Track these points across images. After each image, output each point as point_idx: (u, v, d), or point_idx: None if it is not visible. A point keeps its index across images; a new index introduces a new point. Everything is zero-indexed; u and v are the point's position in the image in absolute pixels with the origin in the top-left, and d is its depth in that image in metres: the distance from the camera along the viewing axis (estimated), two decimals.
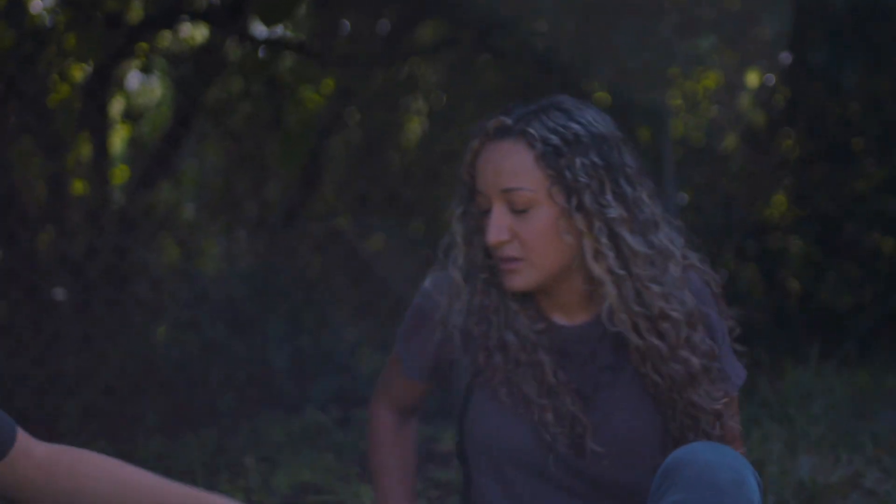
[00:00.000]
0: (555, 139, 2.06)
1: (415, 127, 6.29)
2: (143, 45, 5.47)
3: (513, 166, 2.07)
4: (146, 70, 5.62)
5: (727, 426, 2.22)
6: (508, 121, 2.10)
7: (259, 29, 5.07)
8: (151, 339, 5.20)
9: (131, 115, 6.07)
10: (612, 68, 4.78)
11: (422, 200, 5.57)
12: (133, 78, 6.28)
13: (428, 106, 6.19)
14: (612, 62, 4.72)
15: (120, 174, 6.22)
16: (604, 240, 2.08)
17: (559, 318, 2.20)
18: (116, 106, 6.18)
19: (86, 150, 5.84)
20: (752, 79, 5.52)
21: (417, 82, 6.00)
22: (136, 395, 4.80)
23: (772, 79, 5.33)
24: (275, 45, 4.89)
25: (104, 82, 5.54)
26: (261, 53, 4.77)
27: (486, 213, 2.12)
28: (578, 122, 2.10)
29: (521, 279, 2.11)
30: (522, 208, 2.08)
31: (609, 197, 2.08)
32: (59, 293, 5.20)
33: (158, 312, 5.27)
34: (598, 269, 2.09)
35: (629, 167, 2.14)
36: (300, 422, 4.30)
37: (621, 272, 2.10)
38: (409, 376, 2.34)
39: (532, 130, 2.07)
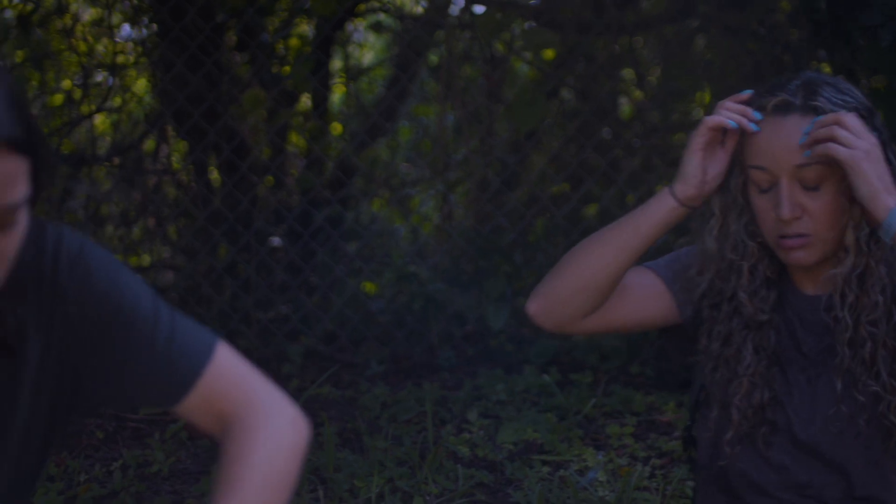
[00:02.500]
0: None
1: (632, 98, 6.27)
2: (376, 2, 5.56)
3: None
4: (377, 28, 5.70)
5: None
6: (794, 99, 2.09)
7: None
8: (373, 290, 5.31)
9: (352, 72, 6.17)
10: (849, 47, 4.69)
11: (638, 173, 5.53)
12: (355, 35, 6.40)
13: (641, 78, 6.17)
14: (849, 42, 4.64)
15: (337, 130, 6.33)
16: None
17: (803, 287, 2.22)
18: (338, 62, 6.30)
19: (308, 104, 5.97)
20: None
21: (637, 55, 5.98)
22: (356, 344, 4.91)
23: None
24: (507, 6, 4.93)
25: (331, 38, 5.66)
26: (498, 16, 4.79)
27: (766, 191, 2.12)
28: (851, 96, 2.11)
29: (807, 255, 2.12)
30: (814, 185, 2.07)
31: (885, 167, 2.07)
32: (278, 241, 5.35)
33: (380, 265, 5.37)
34: (850, 238, 2.10)
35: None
36: (522, 381, 4.34)
37: (866, 248, 2.10)
38: (662, 275, 2.33)
39: (820, 104, 2.07)
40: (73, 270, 1.66)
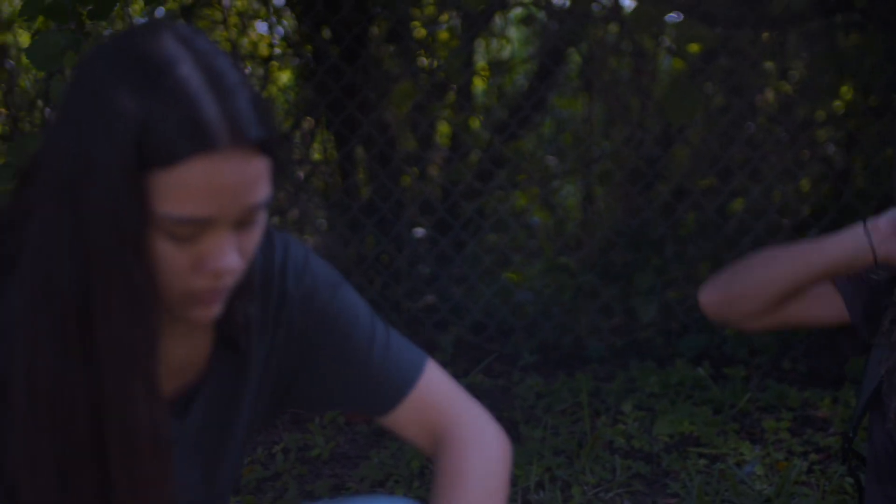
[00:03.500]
0: None
1: (778, 92, 6.20)
2: None
3: None
4: (527, 21, 5.73)
5: None
6: None
7: None
8: (519, 281, 5.35)
9: (498, 65, 6.19)
10: None
11: (788, 169, 5.49)
12: (500, 28, 6.42)
13: (785, 72, 6.11)
14: None
15: (477, 122, 6.36)
16: None
17: None
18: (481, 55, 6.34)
19: (454, 97, 6.01)
20: None
21: (784, 47, 5.93)
22: (504, 335, 4.95)
23: None
24: (659, 1, 4.91)
25: (476, 30, 5.70)
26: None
27: None
28: None
29: None
30: None
31: None
32: (422, 232, 5.41)
33: (526, 256, 5.41)
34: None
35: None
36: (675, 374, 4.35)
37: None
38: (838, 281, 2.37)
39: None
40: (300, 279, 1.73)
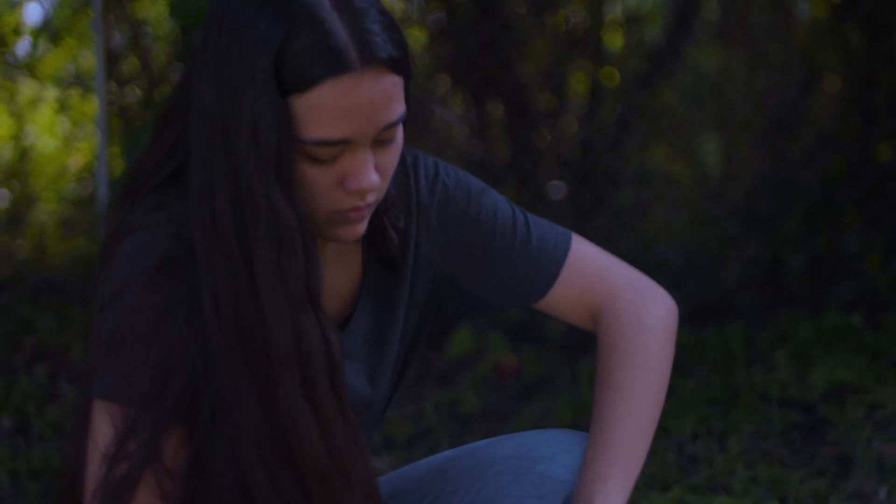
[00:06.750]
0: None
1: None
2: None
3: None
4: None
5: None
6: None
7: None
8: (662, 233, 5.31)
9: (630, 18, 6.13)
10: None
11: None
12: None
13: None
14: None
15: (616, 75, 6.29)
16: None
17: None
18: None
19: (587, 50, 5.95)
20: None
21: None
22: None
23: None
24: None
25: None
26: None
27: None
28: None
29: None
30: None
31: None
32: (562, 188, 5.38)
33: (669, 208, 5.37)
34: None
35: None
36: (828, 322, 4.26)
37: None
38: None
39: None
40: (432, 188, 1.76)
